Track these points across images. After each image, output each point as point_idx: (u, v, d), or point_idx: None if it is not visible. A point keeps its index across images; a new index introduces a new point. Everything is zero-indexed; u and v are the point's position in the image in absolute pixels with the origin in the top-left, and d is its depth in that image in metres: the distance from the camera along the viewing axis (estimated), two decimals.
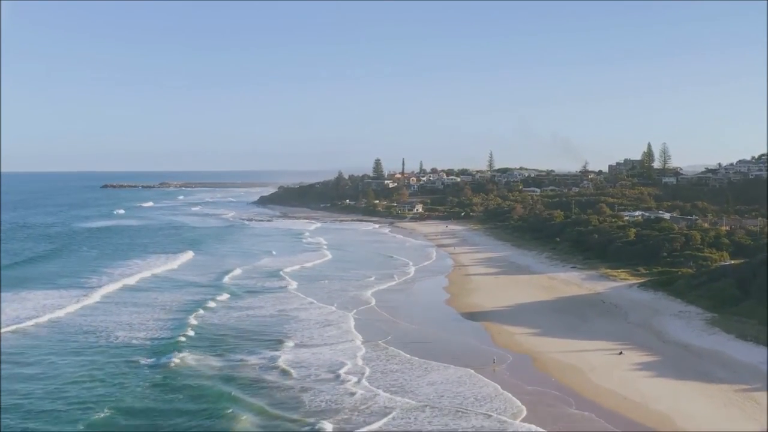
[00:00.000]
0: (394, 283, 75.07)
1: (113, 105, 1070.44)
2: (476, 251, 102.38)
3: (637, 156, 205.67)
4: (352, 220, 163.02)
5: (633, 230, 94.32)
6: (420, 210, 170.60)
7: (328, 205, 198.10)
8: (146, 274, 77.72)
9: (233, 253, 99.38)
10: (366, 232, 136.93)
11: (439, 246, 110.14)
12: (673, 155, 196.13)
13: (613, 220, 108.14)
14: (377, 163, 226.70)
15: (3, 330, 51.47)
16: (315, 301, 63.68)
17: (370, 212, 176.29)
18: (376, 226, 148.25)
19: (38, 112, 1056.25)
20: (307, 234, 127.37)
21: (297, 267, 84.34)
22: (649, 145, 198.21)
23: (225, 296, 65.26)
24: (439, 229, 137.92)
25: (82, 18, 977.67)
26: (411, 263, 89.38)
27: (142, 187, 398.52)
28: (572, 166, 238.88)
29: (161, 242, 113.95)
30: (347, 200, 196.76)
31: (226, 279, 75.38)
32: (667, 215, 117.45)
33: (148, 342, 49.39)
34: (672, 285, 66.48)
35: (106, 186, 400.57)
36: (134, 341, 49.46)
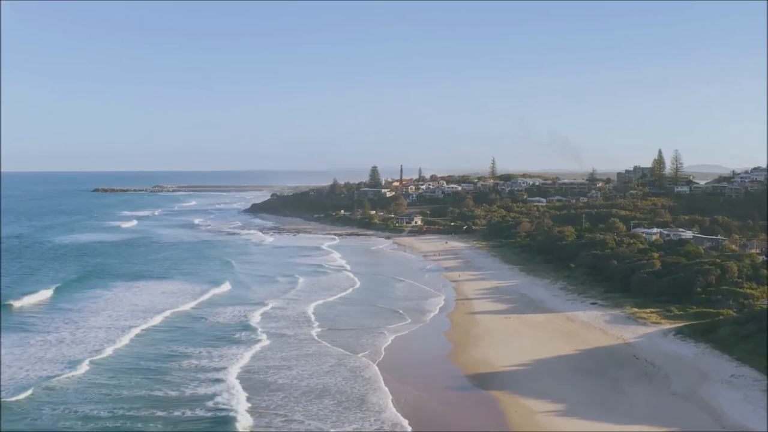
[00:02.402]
0: (414, 328, 65.00)
1: (106, 105, 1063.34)
2: (481, 278, 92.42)
3: (643, 161, 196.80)
4: (347, 234, 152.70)
5: (656, 255, 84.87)
6: (419, 223, 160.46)
7: (322, 215, 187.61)
8: (168, 313, 68.44)
9: (256, 281, 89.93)
10: (375, 251, 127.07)
11: (443, 269, 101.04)
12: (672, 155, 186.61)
13: (632, 241, 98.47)
14: (374, 170, 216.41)
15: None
16: (342, 350, 55.96)
17: (365, 224, 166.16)
18: (389, 242, 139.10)
19: (34, 112, 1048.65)
20: (329, 255, 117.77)
21: (320, 302, 75.62)
22: (660, 152, 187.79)
23: (257, 347, 56.10)
24: (439, 246, 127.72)
25: (82, 18, 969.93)
26: (423, 296, 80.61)
27: (137, 191, 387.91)
28: (572, 166, 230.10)
29: (179, 264, 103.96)
30: (342, 211, 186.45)
31: (257, 318, 66.61)
32: (688, 234, 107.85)
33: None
34: (715, 333, 56.78)
35: (97, 190, 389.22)
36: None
